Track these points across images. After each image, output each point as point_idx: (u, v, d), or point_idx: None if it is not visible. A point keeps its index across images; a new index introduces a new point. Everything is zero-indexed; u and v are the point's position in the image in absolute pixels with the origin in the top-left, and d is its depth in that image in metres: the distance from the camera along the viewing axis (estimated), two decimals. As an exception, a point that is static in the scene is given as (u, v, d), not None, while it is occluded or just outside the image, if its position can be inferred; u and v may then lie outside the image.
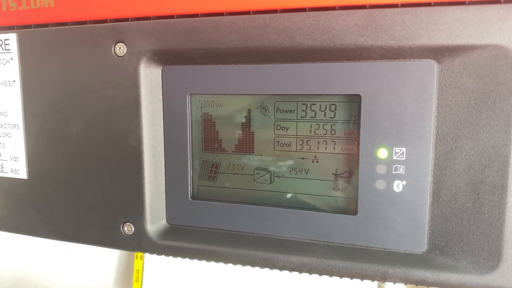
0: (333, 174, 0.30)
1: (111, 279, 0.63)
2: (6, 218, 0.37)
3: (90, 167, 0.33)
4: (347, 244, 0.29)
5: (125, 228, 0.33)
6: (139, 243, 0.33)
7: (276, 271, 0.31)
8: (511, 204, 0.25)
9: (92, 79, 0.32)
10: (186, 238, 0.32)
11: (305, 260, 0.29)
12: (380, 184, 0.28)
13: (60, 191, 0.35)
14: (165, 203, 0.33)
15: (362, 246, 0.29)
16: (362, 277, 0.28)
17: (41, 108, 0.34)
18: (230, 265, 0.32)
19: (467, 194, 0.26)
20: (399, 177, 0.27)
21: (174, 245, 0.32)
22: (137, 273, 0.58)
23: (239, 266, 0.31)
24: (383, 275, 0.28)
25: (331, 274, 0.29)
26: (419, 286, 0.31)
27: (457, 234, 0.27)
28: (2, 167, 0.37)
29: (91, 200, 0.34)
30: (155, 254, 0.33)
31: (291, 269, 0.30)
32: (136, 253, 0.58)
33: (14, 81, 0.35)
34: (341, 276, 0.29)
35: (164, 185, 0.33)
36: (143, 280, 0.57)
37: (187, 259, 0.32)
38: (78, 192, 0.34)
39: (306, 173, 0.30)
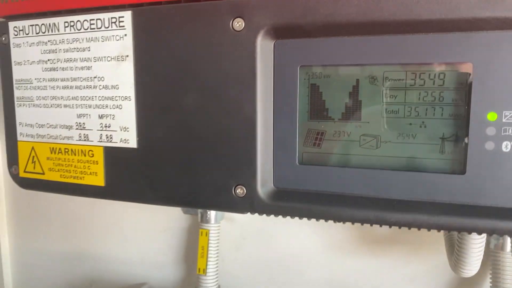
0: (440, 138, 0.32)
1: (174, 257, 0.66)
2: (115, 186, 0.40)
3: (203, 135, 0.36)
4: (455, 201, 0.32)
5: (238, 191, 0.36)
6: (251, 204, 0.35)
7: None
8: None
9: (207, 53, 0.35)
10: (294, 199, 0.35)
11: (415, 217, 0.32)
12: (489, 145, 0.30)
13: (171, 158, 0.37)
14: (272, 168, 0.36)
15: (470, 203, 0.31)
16: (471, 231, 0.31)
17: (153, 81, 0.37)
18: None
19: None
20: (508, 138, 0.30)
21: (284, 206, 0.35)
22: (202, 249, 0.60)
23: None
24: (491, 229, 0.30)
25: (439, 229, 0.32)
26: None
27: None
28: (111, 138, 0.39)
29: (204, 166, 0.36)
30: (264, 215, 0.36)
31: (401, 225, 0.32)
32: (201, 230, 0.61)
33: (127, 55, 0.37)
34: (449, 230, 0.31)
35: (272, 151, 0.35)
36: (209, 256, 0.60)
37: (296, 218, 0.35)
38: (189, 159, 0.37)
39: (414, 138, 0.33)
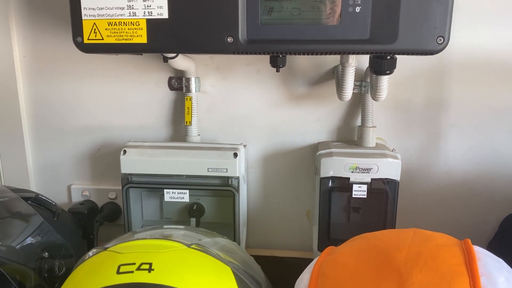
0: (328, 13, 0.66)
1: (165, 121, 0.95)
2: (153, 43, 0.68)
3: (208, 8, 0.66)
4: (336, 38, 0.66)
5: (228, 39, 0.66)
6: (236, 47, 0.67)
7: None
8: None
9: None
10: (258, 43, 0.67)
11: (318, 46, 0.66)
12: (350, 9, 0.65)
13: (189, 23, 0.67)
14: (246, 27, 0.67)
15: (342, 38, 0.66)
16: (341, 52, 0.66)
17: (177, -22, 0.66)
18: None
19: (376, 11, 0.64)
20: (358, 5, 0.64)
21: (253, 47, 0.67)
22: (188, 109, 0.91)
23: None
24: (350, 51, 0.65)
25: (330, 53, 0.66)
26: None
27: (383, 28, 0.65)
28: (151, 13, 0.67)
29: (208, 26, 0.66)
30: (244, 54, 0.67)
31: (311, 53, 0.66)
32: (186, 97, 0.90)
33: (161, -37, 0.65)
34: (330, 52, 0.66)
35: (246, 18, 0.67)
36: (192, 113, 0.91)
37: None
38: (200, 23, 0.66)
39: (318, 8, 0.66)
